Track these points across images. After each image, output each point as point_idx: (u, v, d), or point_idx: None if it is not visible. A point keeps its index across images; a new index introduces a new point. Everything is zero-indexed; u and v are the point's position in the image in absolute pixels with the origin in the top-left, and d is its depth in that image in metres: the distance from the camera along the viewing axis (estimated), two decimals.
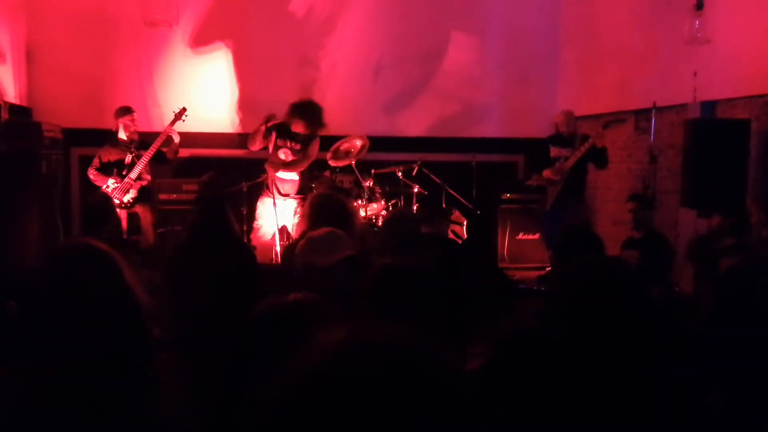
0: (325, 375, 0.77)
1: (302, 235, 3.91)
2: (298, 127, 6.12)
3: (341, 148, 6.75)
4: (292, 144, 6.19)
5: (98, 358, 1.60)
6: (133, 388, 1.62)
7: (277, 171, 6.14)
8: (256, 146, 6.20)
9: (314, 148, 6.21)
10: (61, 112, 7.08)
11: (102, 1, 7.40)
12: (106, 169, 6.04)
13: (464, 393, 0.80)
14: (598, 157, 6.31)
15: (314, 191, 6.42)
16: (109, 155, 6.08)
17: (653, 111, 6.13)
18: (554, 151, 6.57)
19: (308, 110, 6.15)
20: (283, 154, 6.18)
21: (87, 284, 1.67)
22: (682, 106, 6.13)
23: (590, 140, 6.25)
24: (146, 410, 1.60)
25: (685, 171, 5.50)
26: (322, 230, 2.90)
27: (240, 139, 7.18)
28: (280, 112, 7.20)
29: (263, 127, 6.08)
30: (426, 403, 0.75)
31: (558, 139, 6.64)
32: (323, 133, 6.35)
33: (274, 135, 6.17)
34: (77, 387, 1.53)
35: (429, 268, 3.01)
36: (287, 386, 0.78)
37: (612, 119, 6.50)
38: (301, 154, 6.17)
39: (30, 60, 7.21)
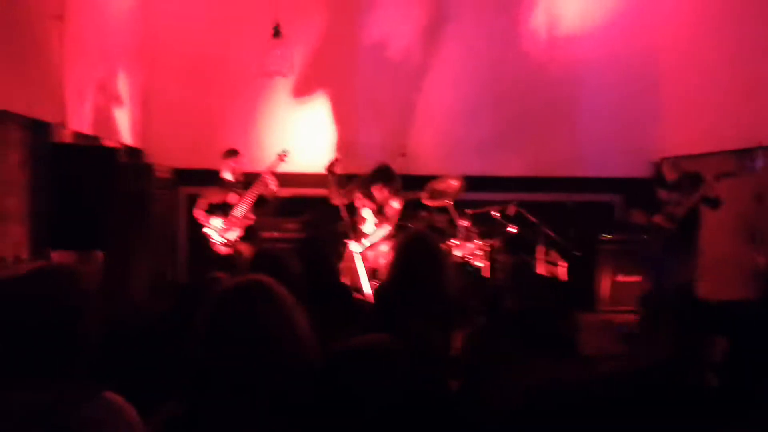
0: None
1: (388, 277, 3.90)
2: (378, 193, 6.22)
3: (437, 188, 6.78)
4: (374, 206, 6.31)
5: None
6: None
7: (361, 243, 6.22)
8: (337, 201, 6.36)
9: (395, 210, 6.30)
10: (171, 153, 7.44)
11: (214, 50, 7.76)
12: (212, 210, 6.30)
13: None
14: (710, 204, 6.06)
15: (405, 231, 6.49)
16: (215, 196, 6.33)
17: (758, 150, 5.84)
18: (663, 194, 6.35)
19: (387, 175, 6.25)
20: (366, 213, 6.31)
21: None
22: None
23: (701, 190, 6.00)
24: None
25: None
26: None
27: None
28: (374, 154, 7.33)
29: (331, 177, 6.30)
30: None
31: (664, 182, 6.41)
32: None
33: (358, 193, 6.34)
34: None
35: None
36: None
37: (725, 172, 6.19)
38: (383, 219, 6.28)
39: (145, 104, 7.67)
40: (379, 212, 6.32)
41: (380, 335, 1.51)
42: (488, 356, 2.90)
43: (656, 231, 6.42)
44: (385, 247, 6.16)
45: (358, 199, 6.38)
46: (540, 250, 6.74)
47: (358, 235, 6.29)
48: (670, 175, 6.37)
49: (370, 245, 6.23)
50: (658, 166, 6.65)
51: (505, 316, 3.10)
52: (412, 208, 6.99)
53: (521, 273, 3.15)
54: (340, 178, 6.41)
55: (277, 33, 7.02)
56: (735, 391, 1.42)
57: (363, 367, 1.39)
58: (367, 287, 5.91)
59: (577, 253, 6.91)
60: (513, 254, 6.40)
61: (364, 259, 6.18)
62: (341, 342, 1.53)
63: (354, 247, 6.18)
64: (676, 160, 6.46)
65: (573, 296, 6.48)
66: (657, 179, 6.59)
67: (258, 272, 3.14)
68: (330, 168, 6.40)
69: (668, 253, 6.28)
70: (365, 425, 1.33)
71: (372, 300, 5.63)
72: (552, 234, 6.85)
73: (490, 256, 6.65)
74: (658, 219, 6.31)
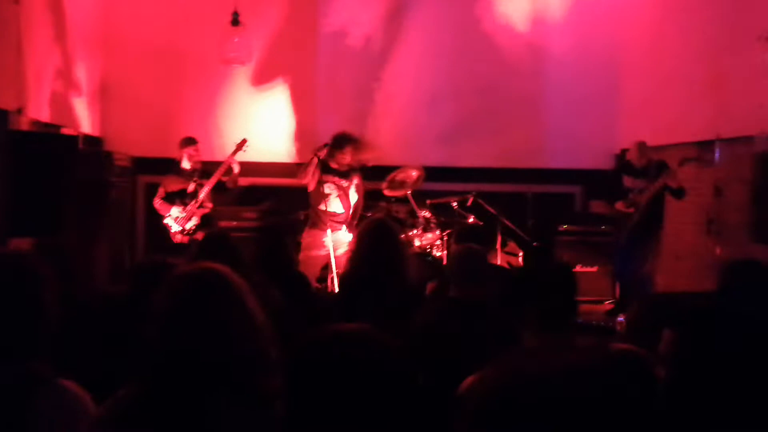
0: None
1: (351, 266, 3.93)
2: (344, 158, 6.15)
3: (396, 178, 6.81)
4: (336, 179, 6.24)
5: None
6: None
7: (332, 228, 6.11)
8: (307, 179, 6.16)
9: (359, 186, 6.29)
10: (130, 141, 7.38)
11: (172, 38, 7.71)
12: (170, 199, 6.27)
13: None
14: (673, 193, 6.15)
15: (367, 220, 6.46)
16: (173, 184, 6.30)
17: (717, 143, 5.99)
18: (628, 182, 6.40)
19: (352, 139, 6.23)
20: (329, 188, 6.21)
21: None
22: (749, 138, 5.97)
23: (664, 176, 6.06)
24: None
25: (755, 206, 5.34)
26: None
27: (297, 169, 7.33)
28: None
29: (315, 160, 6.08)
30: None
31: (631, 169, 6.44)
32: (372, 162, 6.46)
33: (318, 171, 6.17)
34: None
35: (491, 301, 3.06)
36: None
37: (689, 157, 6.27)
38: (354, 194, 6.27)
39: (103, 93, 7.57)
40: (343, 183, 6.26)
41: (360, 324, 1.51)
42: (444, 345, 2.97)
43: (619, 220, 6.52)
44: (345, 237, 6.17)
45: (319, 178, 6.29)
46: (497, 241, 6.85)
47: (327, 218, 6.15)
48: (639, 161, 6.36)
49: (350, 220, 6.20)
50: (622, 154, 6.68)
51: (449, 304, 3.16)
52: (371, 198, 7.03)
53: (469, 262, 3.19)
54: (322, 164, 6.27)
55: (235, 20, 6.99)
56: (691, 384, 1.48)
57: (347, 356, 1.38)
58: (334, 276, 5.89)
59: (535, 244, 7.04)
60: (462, 242, 6.46)
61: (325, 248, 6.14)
62: (318, 330, 1.52)
63: (340, 236, 6.09)
64: (643, 145, 6.41)
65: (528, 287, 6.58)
66: (623, 166, 6.63)
67: (207, 254, 3.15)
68: (317, 152, 6.15)
69: (631, 243, 6.38)
70: (341, 414, 1.34)
71: (333, 290, 5.66)
72: (510, 224, 6.96)
73: (449, 246, 6.74)
74: (619, 205, 6.39)
